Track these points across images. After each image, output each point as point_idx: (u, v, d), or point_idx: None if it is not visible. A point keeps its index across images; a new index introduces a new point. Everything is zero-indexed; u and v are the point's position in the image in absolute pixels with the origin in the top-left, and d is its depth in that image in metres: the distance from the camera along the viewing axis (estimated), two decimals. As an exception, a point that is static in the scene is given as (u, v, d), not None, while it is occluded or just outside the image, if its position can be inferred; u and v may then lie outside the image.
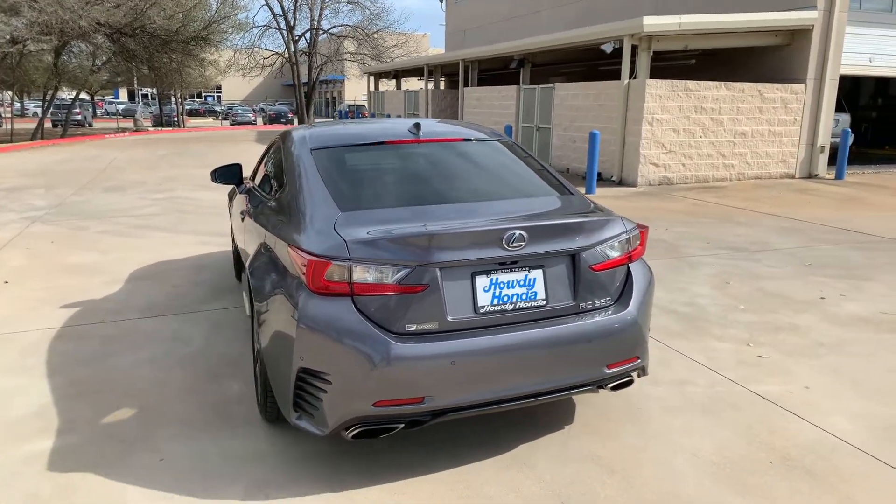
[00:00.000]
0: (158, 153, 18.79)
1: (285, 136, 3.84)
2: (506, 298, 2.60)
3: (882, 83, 20.91)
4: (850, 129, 12.87)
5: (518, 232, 2.56)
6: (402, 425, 2.55)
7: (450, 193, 3.03)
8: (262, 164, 4.58)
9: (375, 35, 39.44)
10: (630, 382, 2.92)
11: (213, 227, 8.01)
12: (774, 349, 4.15)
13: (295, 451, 2.92)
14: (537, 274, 2.65)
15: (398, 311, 2.48)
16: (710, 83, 11.82)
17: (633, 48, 11.76)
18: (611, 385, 2.84)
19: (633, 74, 11.85)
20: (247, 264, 3.32)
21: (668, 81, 11.48)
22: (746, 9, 12.94)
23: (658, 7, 16.06)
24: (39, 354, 4.07)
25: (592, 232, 2.74)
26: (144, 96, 63.56)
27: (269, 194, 3.64)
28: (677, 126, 11.75)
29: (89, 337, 4.37)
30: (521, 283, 2.62)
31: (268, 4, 38.79)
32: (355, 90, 57.99)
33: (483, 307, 2.57)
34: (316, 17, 39.29)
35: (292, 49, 39.55)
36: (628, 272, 2.90)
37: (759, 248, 6.98)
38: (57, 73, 25.96)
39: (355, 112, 30.08)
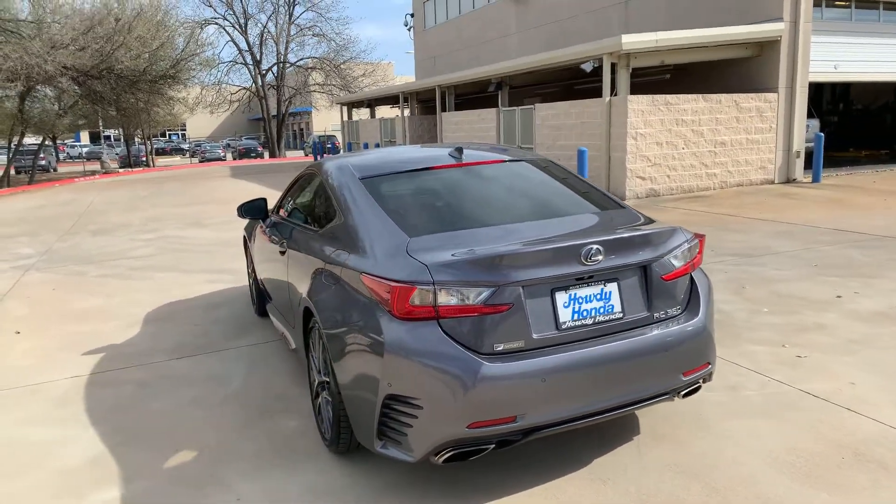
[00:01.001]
0: (135, 194, 18.52)
1: (322, 168, 3.85)
2: (585, 313, 2.63)
3: (841, 88, 21.73)
4: (822, 133, 13.31)
5: (595, 246, 2.60)
6: (493, 446, 2.55)
7: (508, 214, 3.07)
8: (291, 197, 4.56)
9: (343, 66, 39.72)
10: (699, 388, 2.97)
11: (213, 265, 7.91)
12: (810, 349, 4.25)
13: (378, 481, 2.88)
14: (612, 287, 2.69)
15: (484, 331, 2.49)
16: (689, 96, 12.16)
17: (613, 66, 12.04)
18: (683, 392, 2.88)
19: (613, 91, 12.12)
20: (303, 295, 3.29)
21: (649, 96, 11.77)
22: (713, 23, 13.39)
23: (626, 26, 16.52)
24: (75, 403, 3.96)
25: (660, 243, 2.80)
26: (107, 137, 62.72)
27: (314, 225, 3.62)
28: (660, 139, 12.03)
29: (122, 382, 4.27)
30: (598, 296, 2.66)
31: (233, 41, 38.96)
32: (324, 121, 58.09)
33: (564, 323, 2.60)
34: (282, 51, 39.48)
35: (259, 83, 39.60)
36: (692, 280, 2.96)
37: (761, 252, 7.15)
38: (23, 119, 25.51)
39: (321, 143, 30.09)
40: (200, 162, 40.35)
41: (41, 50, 21.49)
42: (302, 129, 66.68)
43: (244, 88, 41.61)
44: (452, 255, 2.56)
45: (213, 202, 15.28)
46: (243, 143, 46.36)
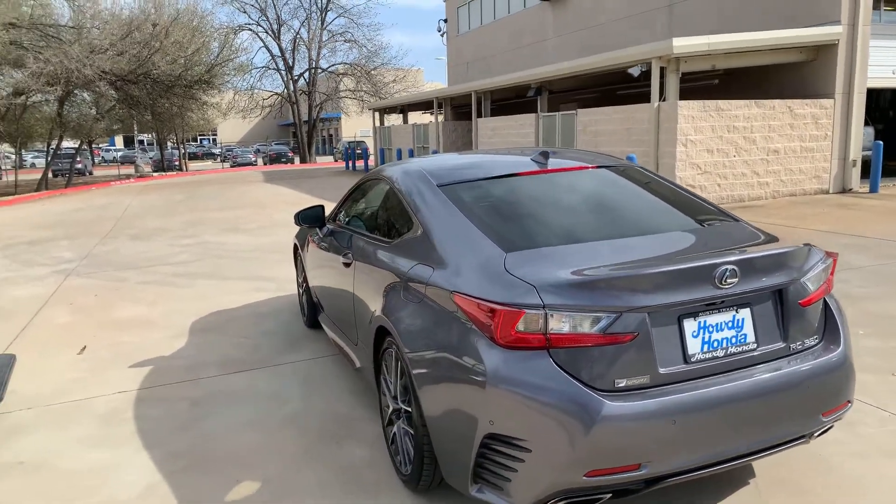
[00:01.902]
0: (171, 198, 18.54)
1: (389, 174, 3.57)
2: (715, 343, 2.30)
3: (889, 95, 20.94)
4: (881, 142, 12.73)
5: (730, 267, 2.26)
6: (609, 495, 2.22)
7: (612, 227, 2.75)
8: (352, 205, 4.30)
9: (374, 72, 39.73)
10: (831, 428, 2.61)
11: (255, 272, 7.69)
12: (922, 377, 3.84)
13: (469, 528, 2.58)
14: (745, 313, 2.35)
15: (604, 364, 2.16)
16: (741, 102, 11.69)
17: (661, 70, 11.64)
18: (817, 433, 2.52)
19: (662, 96, 11.71)
20: (376, 313, 3.00)
21: (700, 102, 11.34)
22: (763, 27, 12.91)
23: (670, 31, 16.08)
24: (124, 422, 3.72)
25: (796, 262, 2.46)
26: (140, 142, 63.63)
27: (383, 236, 3.34)
28: (710, 146, 11.58)
29: (173, 399, 4.02)
30: (730, 324, 2.32)
31: (266, 46, 39.17)
32: (353, 126, 58.26)
33: (693, 355, 2.26)
34: (314, 57, 39.63)
35: (291, 88, 39.78)
36: (825, 305, 2.60)
37: (839, 267, 6.69)
38: (61, 122, 25.84)
39: (353, 149, 30.01)
40: (232, 167, 40.65)
41: (81, 54, 21.73)
42: (331, 135, 66.99)
43: (276, 94, 41.86)
44: (564, 274, 2.24)
45: (248, 206, 15.18)
46: (273, 149, 46.64)
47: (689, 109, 11.30)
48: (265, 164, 43.34)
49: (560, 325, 2.15)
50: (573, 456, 2.10)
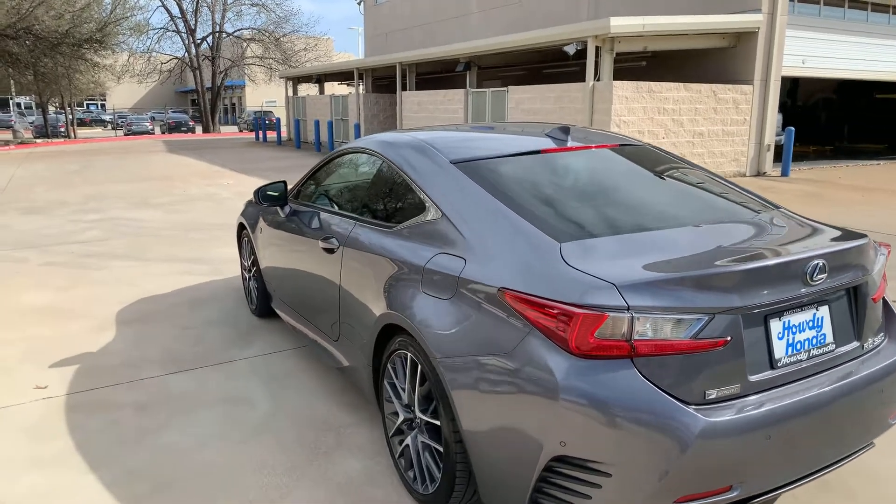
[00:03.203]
0: (63, 168, 16.82)
1: (379, 148, 3.14)
2: (798, 346, 2.08)
3: (789, 84, 22.22)
4: (792, 128, 13.38)
5: (820, 262, 2.04)
6: (692, 521, 1.96)
7: (667, 213, 2.45)
8: (323, 181, 3.81)
9: (283, 39, 37.92)
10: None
11: (180, 252, 6.96)
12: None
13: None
14: (824, 311, 2.14)
15: (693, 374, 1.88)
16: (671, 84, 11.88)
17: (596, 50, 11.60)
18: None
19: (596, 76, 11.69)
20: (386, 309, 2.59)
21: (634, 83, 11.41)
22: (684, 12, 13.18)
23: (596, 12, 16.15)
24: (58, 436, 3.11)
25: (870, 255, 2.28)
26: (18, 105, 57.80)
27: (380, 219, 2.91)
28: (642, 128, 11.71)
29: (115, 406, 3.43)
30: (811, 324, 2.11)
31: (165, 6, 36.41)
32: (258, 96, 55.70)
33: (780, 359, 2.03)
34: (218, 20, 37.29)
35: (193, 53, 37.29)
36: (884, 301, 2.45)
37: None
38: (-76, 79, 22.85)
39: (263, 119, 28.59)
40: (126, 135, 37.68)
41: (-51, 2, 19.20)
42: (234, 104, 63.79)
43: (176, 58, 39.13)
44: (646, 270, 1.93)
45: (155, 179, 13.98)
46: (172, 116, 43.62)
47: (624, 90, 11.34)
48: (163, 132, 40.53)
49: (646, 329, 1.85)
50: (662, 480, 1.82)
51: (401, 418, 2.61)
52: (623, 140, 3.14)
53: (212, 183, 13.15)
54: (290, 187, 4.15)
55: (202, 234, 7.95)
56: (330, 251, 3.19)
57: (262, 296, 4.62)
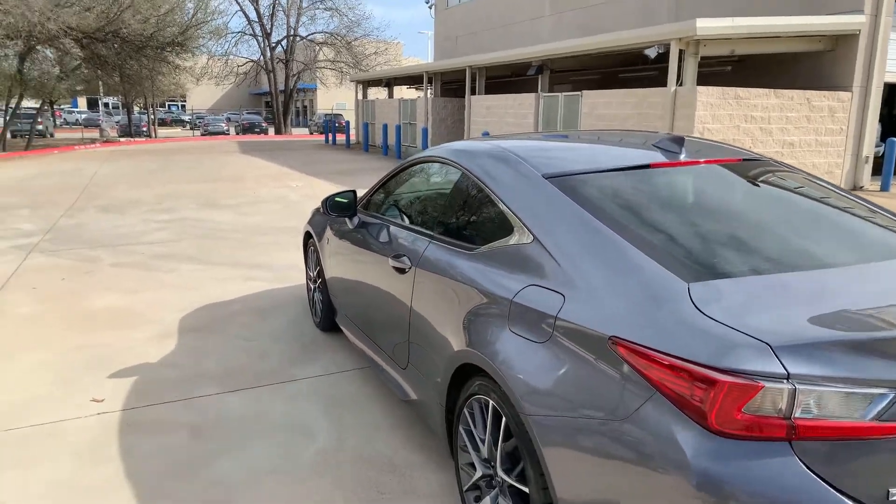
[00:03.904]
0: (142, 167, 17.35)
1: (456, 157, 2.82)
2: None
3: (891, 92, 20.69)
4: (894, 140, 12.32)
5: None
6: None
7: (818, 248, 2.01)
8: (395, 192, 3.52)
9: (354, 43, 38.37)
10: None
11: (246, 257, 6.85)
12: None
13: None
14: None
15: (870, 465, 1.46)
16: (760, 90, 11.11)
17: (680, 53, 10.97)
18: None
19: (678, 81, 11.05)
20: (465, 346, 2.26)
21: (720, 89, 10.72)
22: (778, 13, 12.32)
23: (676, 16, 15.40)
24: (109, 459, 2.92)
25: None
26: (105, 105, 60.81)
27: (459, 240, 2.58)
28: (727, 136, 10.99)
29: (168, 427, 3.23)
30: None
31: (243, 10, 37.48)
32: (329, 99, 56.69)
33: None
34: (293, 24, 38.08)
35: (268, 56, 38.22)
36: None
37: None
38: (21, 80, 24.14)
39: (333, 121, 28.91)
40: (203, 135, 38.97)
41: (44, 7, 20.16)
42: (305, 107, 65.18)
43: (252, 61, 40.21)
44: (811, 325, 1.53)
45: (226, 180, 14.17)
46: (247, 118, 44.86)
47: (708, 96, 10.67)
48: (237, 133, 41.71)
49: (810, 405, 1.45)
50: None
51: (478, 473, 2.26)
52: (745, 154, 2.70)
53: (281, 185, 13.20)
54: (359, 196, 3.89)
55: (268, 237, 7.86)
56: (401, 271, 2.89)
57: (327, 309, 4.38)
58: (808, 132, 11.75)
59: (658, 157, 2.48)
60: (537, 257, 2.09)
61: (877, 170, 12.83)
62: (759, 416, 1.45)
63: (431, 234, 2.81)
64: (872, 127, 12.36)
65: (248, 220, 9.10)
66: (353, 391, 3.63)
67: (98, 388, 3.65)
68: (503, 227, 2.34)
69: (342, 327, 4.10)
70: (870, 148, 12.45)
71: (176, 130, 48.94)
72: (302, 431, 3.18)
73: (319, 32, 39.46)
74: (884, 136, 14.14)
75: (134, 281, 5.91)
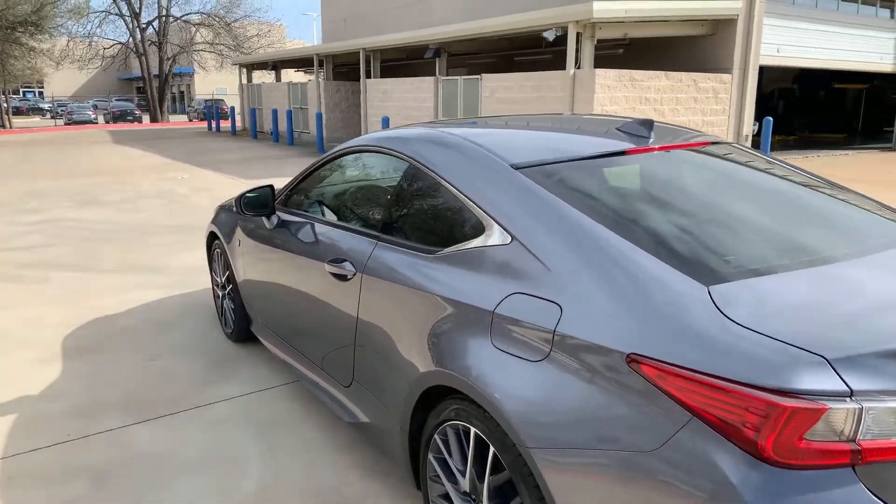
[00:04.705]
0: (-2, 161, 15.49)
1: (401, 147, 2.50)
2: None
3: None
4: (770, 118, 13.17)
5: None
6: None
7: (827, 238, 1.86)
8: (324, 186, 3.14)
9: (234, 24, 36.42)
10: None
11: (136, 260, 6.14)
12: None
13: None
14: None
15: None
16: (653, 73, 11.47)
17: (577, 36, 11.08)
18: None
19: (577, 64, 11.18)
20: (433, 366, 1.96)
21: (616, 71, 10.95)
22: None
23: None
24: (-11, 525, 2.38)
25: None
26: (-53, 92, 54.13)
27: (415, 241, 2.27)
28: (624, 118, 11.27)
29: (65, 475, 2.70)
30: None
31: (107, -13, 34.35)
32: (208, 84, 53.71)
33: None
34: (164, 4, 35.51)
35: (138, 38, 35.48)
36: None
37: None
38: None
39: (216, 107, 27.30)
40: (68, 124, 35.59)
41: None
42: (182, 93, 61.41)
43: (120, 43, 37.17)
44: (869, 333, 1.36)
45: (103, 174, 12.90)
46: (117, 105, 41.41)
47: (606, 79, 10.87)
48: (107, 122, 38.46)
49: (872, 424, 1.28)
50: None
51: (456, 507, 1.98)
52: (711, 137, 2.56)
53: (165, 178, 12.17)
54: (276, 192, 3.46)
55: (159, 237, 7.12)
56: (342, 277, 2.53)
57: (241, 318, 3.92)
58: (695, 112, 12.30)
59: (631, 142, 2.28)
60: (519, 260, 1.83)
61: (754, 147, 13.68)
62: (823, 442, 1.27)
63: (377, 235, 2.47)
64: (751, 107, 13.15)
65: (132, 218, 8.24)
66: (282, 412, 3.23)
67: (-34, 434, 3.03)
68: (469, 227, 2.06)
69: (261, 338, 3.67)
70: (749, 126, 13.25)
71: (34, 120, 44.50)
72: (230, 465, 2.77)
73: (195, 13, 37.10)
74: (757, 116, 15.15)
75: (2, 295, 5.10)
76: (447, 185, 2.19)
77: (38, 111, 51.06)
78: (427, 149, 2.37)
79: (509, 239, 1.89)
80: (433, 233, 2.24)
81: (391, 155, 2.57)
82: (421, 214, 2.34)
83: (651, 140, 2.30)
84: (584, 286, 1.65)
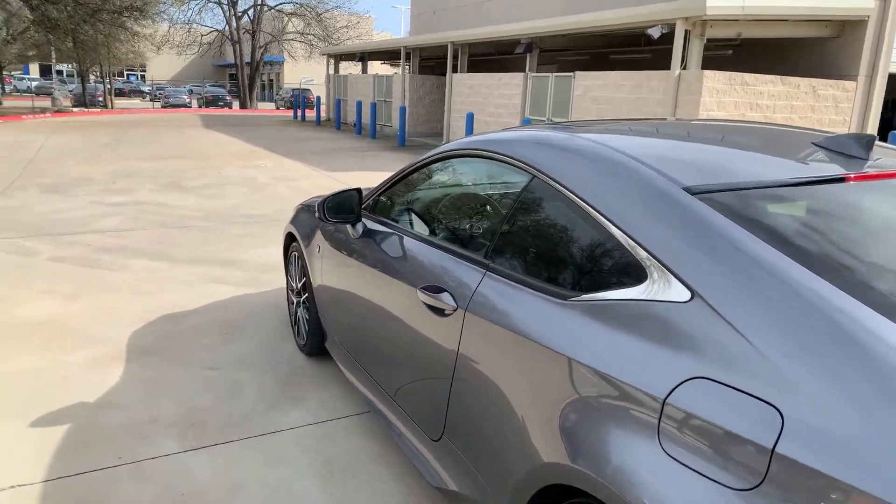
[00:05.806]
0: (95, 140, 16.01)
1: (524, 147, 1.99)
2: None
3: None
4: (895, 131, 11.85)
5: None
6: None
7: None
8: (421, 197, 2.67)
9: (325, 15, 36.85)
10: None
11: (212, 252, 5.91)
12: None
13: None
14: None
15: None
16: (767, 77, 10.47)
17: (685, 34, 10.23)
18: None
19: (683, 64, 10.33)
20: (567, 455, 1.45)
21: (726, 74, 10.04)
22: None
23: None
24: (17, 569, 2.04)
25: None
26: (59, 72, 57.66)
27: (542, 281, 1.76)
28: (732, 125, 10.33)
29: (107, 510, 2.35)
30: None
31: (207, -24, 35.53)
32: (296, 73, 54.83)
33: None
34: (260, -8, 36.30)
35: (234, 25, 36.45)
36: None
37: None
38: (-37, 42, 22.30)
39: (303, 96, 27.58)
40: (164, 107, 37.03)
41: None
42: (271, 81, 63.03)
43: (216, 30, 38.34)
44: None
45: (189, 157, 13.03)
46: (210, 90, 42.80)
47: (714, 81, 9.98)
48: (200, 106, 39.80)
49: None
50: None
51: None
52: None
53: (249, 165, 12.14)
54: (364, 195, 3.02)
55: (237, 227, 6.91)
56: (439, 312, 2.05)
57: (315, 331, 3.52)
58: (811, 122, 11.19)
59: (847, 165, 1.68)
60: (704, 328, 1.28)
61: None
62: None
63: (485, 262, 1.98)
64: (876, 118, 11.87)
65: (214, 205, 8.10)
66: (354, 450, 2.80)
67: (15, 441, 2.74)
68: (620, 268, 1.53)
69: (334, 357, 3.26)
70: (871, 141, 11.98)
71: (134, 102, 46.66)
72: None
73: (288, 3, 37.79)
74: (881, 130, 13.73)
75: (73, 282, 4.94)
76: (588, 208, 1.67)
77: (139, 93, 53.61)
78: (559, 159, 1.85)
79: (688, 295, 1.35)
80: (565, 267, 1.72)
81: (507, 163, 2.07)
82: (548, 243, 1.83)
83: (873, 161, 1.70)
84: (820, 384, 1.09)
